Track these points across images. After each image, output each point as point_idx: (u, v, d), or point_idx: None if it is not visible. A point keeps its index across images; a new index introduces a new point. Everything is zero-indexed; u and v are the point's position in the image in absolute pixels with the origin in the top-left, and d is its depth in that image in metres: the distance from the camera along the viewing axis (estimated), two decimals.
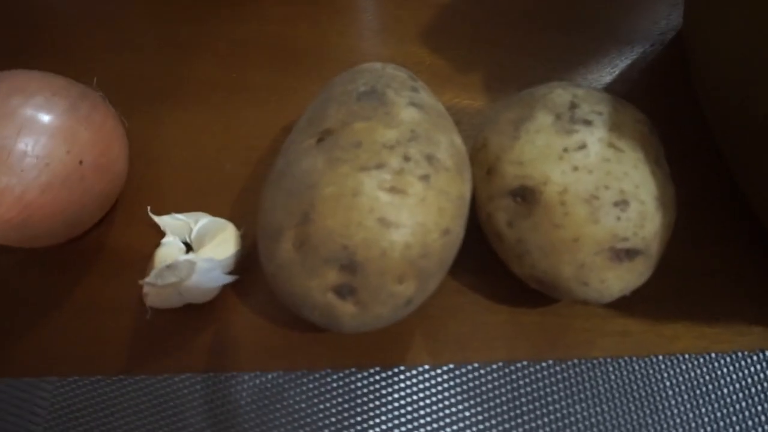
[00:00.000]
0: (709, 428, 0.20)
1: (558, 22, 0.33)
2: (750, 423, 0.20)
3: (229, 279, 0.24)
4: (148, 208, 0.26)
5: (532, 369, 0.22)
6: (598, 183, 0.19)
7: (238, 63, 0.33)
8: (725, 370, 0.21)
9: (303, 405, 0.22)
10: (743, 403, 0.21)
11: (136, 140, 0.29)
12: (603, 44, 0.31)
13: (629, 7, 0.33)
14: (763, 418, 0.21)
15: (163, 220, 0.25)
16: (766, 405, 0.21)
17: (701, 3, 0.25)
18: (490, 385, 0.22)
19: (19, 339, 0.24)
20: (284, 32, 0.34)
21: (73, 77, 0.26)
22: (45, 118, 0.23)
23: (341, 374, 0.22)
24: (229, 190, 0.28)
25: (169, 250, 0.24)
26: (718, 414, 0.21)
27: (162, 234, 0.26)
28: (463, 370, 0.22)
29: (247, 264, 0.25)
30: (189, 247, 0.25)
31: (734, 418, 0.21)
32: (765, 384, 0.21)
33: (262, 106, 0.31)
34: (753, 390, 0.21)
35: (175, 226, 0.25)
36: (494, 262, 0.23)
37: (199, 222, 0.25)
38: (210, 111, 0.31)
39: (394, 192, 0.18)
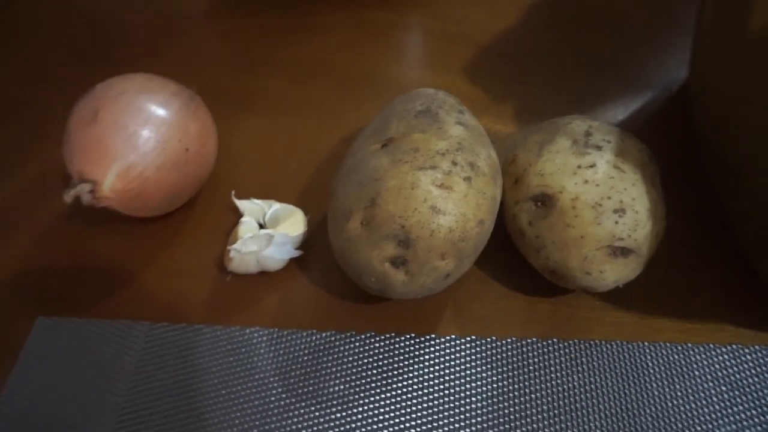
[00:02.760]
0: (682, 406, 0.25)
1: (581, 66, 0.38)
2: (717, 405, 0.25)
3: (297, 253, 0.29)
4: (232, 192, 0.32)
5: (539, 344, 0.26)
6: (602, 194, 0.24)
7: (303, 81, 0.39)
8: (699, 357, 0.26)
9: (350, 359, 0.27)
10: (712, 389, 0.25)
11: (219, 138, 0.34)
12: (619, 87, 0.37)
13: (643, 58, 0.38)
14: (728, 401, 0.25)
15: (242, 204, 0.31)
16: (731, 390, 0.25)
17: (703, 65, 0.31)
18: (504, 355, 0.26)
19: (120, 289, 0.30)
20: (344, 57, 0.40)
21: None
22: (164, 112, 0.28)
23: (383, 337, 0.27)
24: (293, 184, 0.33)
25: (248, 227, 0.30)
26: (690, 394, 0.25)
27: (236, 216, 0.31)
28: (483, 341, 0.27)
29: (309, 244, 0.30)
30: (261, 228, 0.31)
31: (704, 401, 0.25)
32: (731, 371, 0.25)
33: (323, 118, 0.37)
34: (720, 374, 0.25)
35: (252, 209, 0.31)
36: (514, 258, 0.28)
37: (273, 207, 0.30)
38: (279, 120, 0.37)
39: (443, 188, 0.23)
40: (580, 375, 0.26)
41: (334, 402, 0.26)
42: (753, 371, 0.25)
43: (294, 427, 0.25)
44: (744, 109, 0.25)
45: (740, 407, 0.25)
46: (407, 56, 0.40)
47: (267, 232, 0.28)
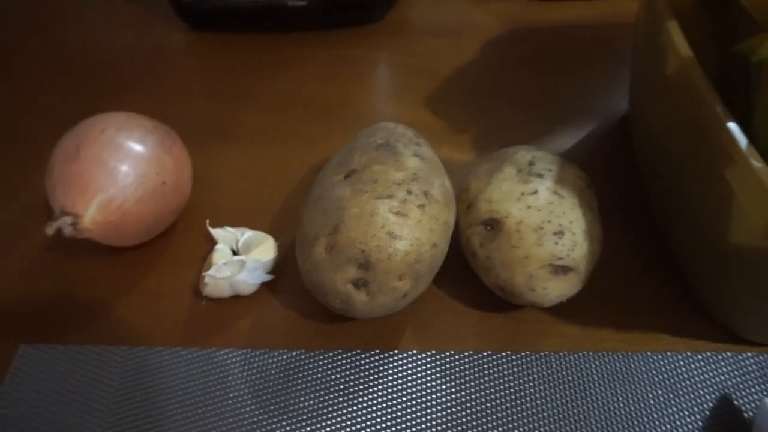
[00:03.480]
0: (623, 410, 0.27)
1: (535, 98, 0.41)
2: (653, 408, 0.27)
3: (268, 278, 0.31)
4: (207, 221, 0.34)
5: (493, 357, 0.29)
6: (543, 218, 0.27)
7: (277, 114, 0.41)
8: (638, 364, 0.28)
9: (318, 376, 0.29)
10: (650, 392, 0.28)
11: (195, 168, 0.36)
12: (568, 119, 0.40)
13: (590, 91, 0.42)
14: (663, 403, 0.27)
15: (216, 232, 0.33)
16: (666, 393, 0.28)
17: (637, 98, 0.34)
18: (461, 368, 0.29)
19: (101, 316, 0.31)
20: (317, 92, 0.43)
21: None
22: (142, 148, 0.30)
23: (348, 354, 0.29)
24: (267, 211, 0.35)
25: (222, 253, 0.32)
26: (631, 399, 0.27)
27: (211, 243, 0.33)
28: (442, 355, 0.29)
29: (280, 268, 0.32)
30: (234, 254, 0.33)
31: (642, 403, 0.27)
32: (666, 376, 0.28)
33: (295, 149, 0.39)
34: (657, 380, 0.28)
35: (226, 237, 0.33)
36: (469, 277, 0.31)
37: (245, 234, 0.32)
38: (253, 150, 0.39)
39: (399, 215, 0.26)
40: (530, 384, 0.28)
41: (304, 417, 0.27)
42: (685, 375, 0.28)
43: None
44: (668, 140, 0.28)
45: (675, 408, 0.27)
46: (376, 89, 0.43)
47: (240, 258, 0.30)
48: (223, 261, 0.30)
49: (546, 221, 0.26)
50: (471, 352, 0.29)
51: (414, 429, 0.27)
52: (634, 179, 0.36)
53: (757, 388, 0.27)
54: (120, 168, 0.29)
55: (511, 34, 0.47)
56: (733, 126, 0.21)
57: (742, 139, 0.21)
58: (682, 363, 0.28)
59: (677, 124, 0.27)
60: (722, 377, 0.28)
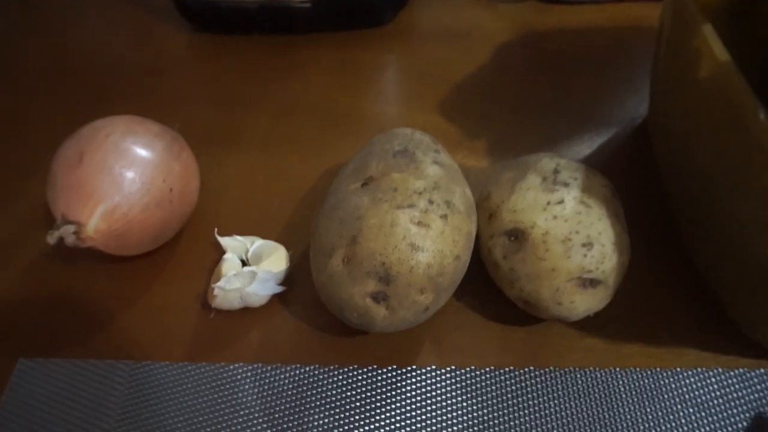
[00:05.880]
0: (653, 429, 0.26)
1: (549, 105, 0.40)
2: (685, 427, 0.26)
3: (280, 289, 0.30)
4: (215, 230, 0.32)
5: (516, 373, 0.28)
6: (571, 229, 0.25)
7: (285, 119, 0.40)
8: (667, 381, 0.27)
9: (333, 392, 0.27)
10: (681, 411, 0.26)
11: (202, 176, 0.35)
12: (584, 125, 0.39)
13: (606, 98, 0.41)
14: (695, 422, 0.26)
15: (225, 240, 0.32)
16: (698, 411, 0.26)
17: (659, 105, 0.33)
18: (482, 384, 0.27)
19: (104, 328, 0.30)
20: (325, 96, 0.41)
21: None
22: (148, 154, 0.29)
23: (365, 369, 0.28)
24: (276, 220, 0.34)
25: (231, 264, 0.30)
26: (661, 417, 0.26)
27: (219, 252, 0.32)
28: (462, 371, 0.28)
29: (292, 280, 0.31)
30: (244, 264, 0.31)
31: (673, 423, 0.26)
32: (697, 393, 0.27)
33: (305, 155, 0.38)
34: (687, 397, 0.27)
35: (235, 246, 0.31)
36: (491, 289, 0.29)
37: (255, 243, 0.31)
38: (262, 157, 0.38)
39: (421, 225, 0.25)
40: (554, 402, 0.27)
41: None
42: (718, 393, 0.27)
43: None
44: (698, 147, 0.27)
45: (707, 428, 0.26)
46: (386, 94, 0.42)
47: (250, 269, 0.29)
48: (232, 272, 0.29)
49: (574, 232, 0.25)
50: (492, 367, 0.28)
51: None
52: (656, 188, 0.35)
53: None
54: (125, 174, 0.28)
55: (522, 39, 0.46)
56: None
57: None
58: (713, 380, 0.27)
59: (709, 132, 0.25)
60: (756, 395, 0.27)
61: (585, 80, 0.42)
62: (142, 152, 0.29)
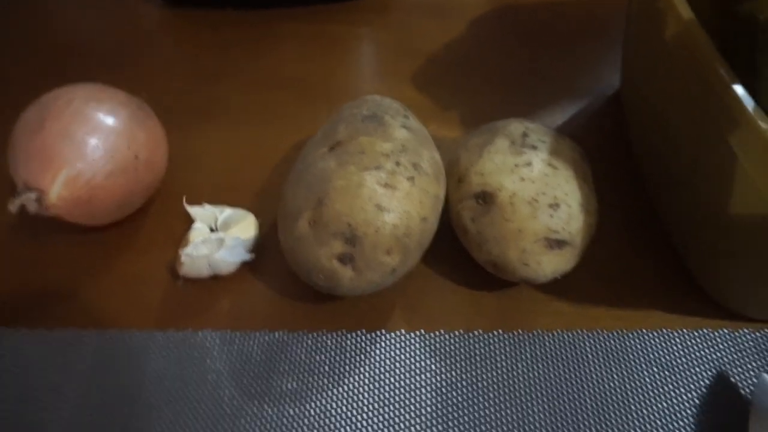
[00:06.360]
0: (619, 388, 0.26)
1: (523, 75, 0.40)
2: (649, 386, 0.26)
3: (249, 257, 0.29)
4: (184, 198, 0.32)
5: (484, 336, 0.28)
6: (538, 190, 0.25)
7: (258, 91, 0.39)
8: (633, 342, 0.27)
9: (302, 357, 0.27)
10: (645, 371, 0.27)
11: (172, 146, 0.34)
12: (557, 95, 0.39)
13: (580, 68, 0.41)
14: (659, 380, 0.27)
15: (194, 209, 0.31)
16: (662, 371, 0.27)
17: (631, 71, 0.33)
18: (451, 348, 0.27)
19: (69, 299, 0.29)
20: (299, 68, 0.41)
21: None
22: (113, 121, 0.28)
23: (334, 334, 0.28)
24: (247, 190, 0.34)
25: (200, 232, 0.30)
26: (626, 377, 0.27)
27: (188, 223, 0.32)
28: (431, 335, 0.28)
29: (262, 249, 0.31)
30: (212, 232, 0.31)
31: (638, 382, 0.27)
32: (661, 353, 0.27)
33: (277, 127, 0.37)
34: (652, 357, 0.27)
35: (204, 215, 0.31)
36: (460, 254, 0.29)
37: (224, 212, 0.31)
38: (233, 127, 0.37)
39: (387, 187, 0.24)
40: (523, 364, 0.27)
41: (288, 400, 0.26)
42: (681, 353, 0.27)
43: (247, 426, 0.25)
44: (666, 110, 0.27)
45: (671, 386, 0.26)
46: (360, 67, 0.42)
47: (218, 236, 0.28)
48: (200, 239, 0.28)
49: (541, 193, 0.25)
50: (461, 331, 0.28)
51: (403, 411, 0.26)
52: (628, 156, 0.35)
53: (755, 364, 0.27)
54: (88, 141, 0.27)
55: (497, 11, 0.46)
56: (738, 88, 0.20)
57: (748, 101, 0.20)
58: (678, 340, 0.28)
59: (676, 92, 0.26)
60: (719, 354, 0.27)
61: (559, 52, 0.42)
62: (105, 119, 0.28)
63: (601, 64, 0.41)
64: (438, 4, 0.46)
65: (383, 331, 0.28)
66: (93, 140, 0.28)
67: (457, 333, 0.28)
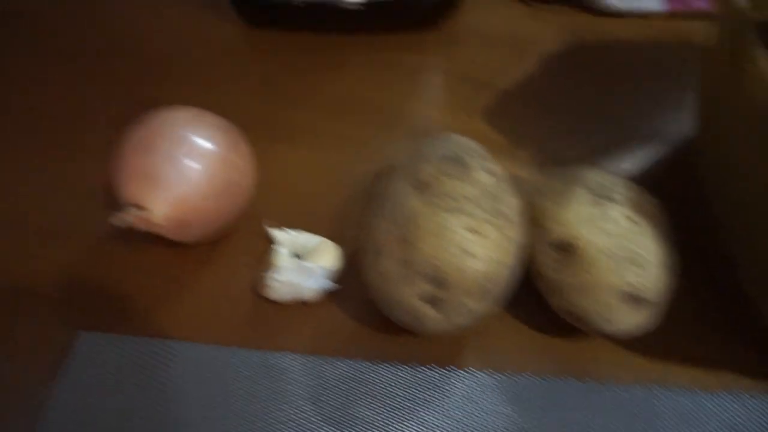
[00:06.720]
0: None
1: (593, 116, 0.41)
2: None
3: (334, 287, 0.31)
4: (264, 221, 0.34)
5: (557, 383, 0.28)
6: (618, 244, 0.26)
7: (334, 116, 0.41)
8: (709, 404, 0.27)
9: (378, 388, 0.28)
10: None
11: (256, 170, 0.36)
12: (627, 138, 0.39)
13: (652, 112, 0.41)
14: None
15: (276, 233, 0.33)
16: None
17: (705, 126, 0.33)
18: (523, 391, 0.28)
19: (155, 309, 0.31)
20: (373, 95, 0.42)
21: None
22: (212, 145, 0.30)
23: (408, 367, 0.29)
24: (323, 215, 0.35)
25: (284, 255, 0.31)
26: None
27: (267, 244, 0.33)
28: (505, 376, 0.29)
29: (340, 276, 0.32)
30: (295, 257, 0.32)
31: None
32: (738, 420, 0.27)
33: (352, 154, 0.39)
34: (729, 422, 0.27)
35: (285, 239, 0.33)
36: (534, 297, 0.30)
37: (307, 238, 0.32)
38: (309, 153, 0.39)
39: (475, 233, 0.25)
40: (591, 415, 0.27)
41: (363, 428, 0.27)
42: (763, 420, 0.27)
43: None
44: (752, 170, 0.28)
45: None
46: (431, 97, 0.43)
47: (306, 264, 0.30)
48: (289, 265, 0.30)
49: (621, 248, 0.26)
50: (530, 373, 0.29)
51: None
52: (702, 208, 0.35)
53: None
54: (191, 165, 0.29)
55: (569, 48, 0.46)
56: None
57: None
58: (756, 407, 0.28)
59: (764, 156, 0.26)
60: None
61: (629, 93, 0.42)
62: (205, 144, 0.30)
63: (675, 110, 0.41)
64: (508, 36, 0.47)
65: (454, 368, 0.29)
66: (196, 164, 0.29)
67: (532, 377, 0.28)
